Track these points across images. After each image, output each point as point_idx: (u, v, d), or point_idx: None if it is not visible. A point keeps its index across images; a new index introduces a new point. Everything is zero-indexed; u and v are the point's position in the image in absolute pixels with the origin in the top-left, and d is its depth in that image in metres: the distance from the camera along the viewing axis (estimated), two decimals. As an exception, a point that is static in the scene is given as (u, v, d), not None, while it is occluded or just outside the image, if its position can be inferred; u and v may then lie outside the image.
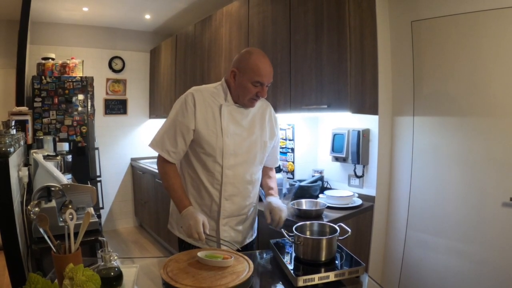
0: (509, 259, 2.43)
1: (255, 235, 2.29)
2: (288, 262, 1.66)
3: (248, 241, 2.21)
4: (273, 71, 1.98)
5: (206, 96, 2.00)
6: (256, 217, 2.29)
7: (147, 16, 5.24)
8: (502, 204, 2.45)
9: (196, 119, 1.95)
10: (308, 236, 1.75)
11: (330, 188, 3.19)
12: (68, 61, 4.86)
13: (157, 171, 4.89)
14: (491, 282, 2.51)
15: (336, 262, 1.67)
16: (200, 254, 1.63)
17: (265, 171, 2.28)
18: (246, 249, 2.16)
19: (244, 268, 1.55)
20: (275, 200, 2.06)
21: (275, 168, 2.43)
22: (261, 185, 2.26)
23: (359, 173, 3.02)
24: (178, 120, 1.97)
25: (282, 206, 2.01)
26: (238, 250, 1.87)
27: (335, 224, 1.78)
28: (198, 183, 2.04)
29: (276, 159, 2.33)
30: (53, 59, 4.81)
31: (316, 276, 1.51)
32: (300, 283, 1.48)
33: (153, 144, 2.05)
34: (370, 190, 2.96)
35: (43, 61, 4.75)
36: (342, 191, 2.97)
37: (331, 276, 1.53)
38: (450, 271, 2.71)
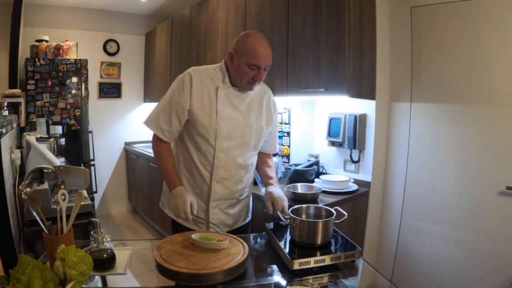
0: (503, 247, 2.43)
1: (249, 218, 2.27)
2: (283, 246, 1.64)
3: (240, 224, 2.19)
4: (271, 54, 1.92)
5: (204, 76, 1.97)
6: (250, 201, 2.27)
7: (143, -2, 5.16)
8: (498, 193, 2.44)
9: (191, 99, 1.93)
10: (304, 219, 1.73)
11: (326, 173, 3.18)
12: (62, 43, 4.79)
13: (151, 155, 4.87)
14: (485, 270, 2.52)
15: (332, 246, 1.65)
16: (194, 236, 1.61)
17: (263, 158, 2.23)
18: (239, 232, 2.15)
19: (239, 250, 1.53)
20: (276, 190, 2.00)
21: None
22: (259, 173, 2.23)
23: (355, 158, 3.00)
24: (174, 99, 1.95)
25: (283, 196, 1.96)
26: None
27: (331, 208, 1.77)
28: (191, 164, 2.03)
29: (273, 146, 2.27)
30: (46, 41, 4.74)
31: (312, 260, 1.50)
32: (296, 266, 1.47)
33: (148, 122, 2.03)
34: (365, 175, 2.95)
35: (37, 43, 4.68)
36: (338, 176, 2.95)
37: (327, 260, 1.53)
38: (444, 259, 2.71)
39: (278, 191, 1.99)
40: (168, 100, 1.98)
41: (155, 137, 2.04)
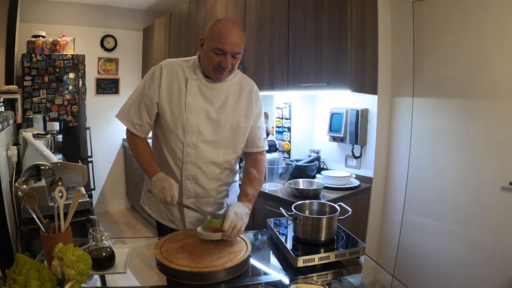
0: (506, 243, 2.41)
1: None
2: (286, 243, 1.61)
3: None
4: (242, 41, 1.80)
5: (175, 68, 1.89)
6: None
7: (140, -7, 5.11)
8: (501, 189, 2.42)
9: (160, 91, 1.85)
10: (308, 215, 1.69)
11: (327, 169, 3.14)
12: (59, 39, 4.74)
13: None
14: (487, 266, 2.49)
15: (336, 242, 1.62)
16: (199, 229, 1.59)
17: (248, 167, 2.01)
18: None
19: (241, 248, 1.50)
20: (238, 206, 1.72)
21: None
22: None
23: (357, 153, 2.97)
24: (144, 91, 1.88)
25: (243, 215, 1.67)
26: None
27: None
28: (163, 160, 1.94)
29: (254, 142, 2.03)
30: (43, 36, 4.69)
31: (316, 257, 1.47)
32: (300, 264, 1.44)
33: (119, 115, 1.95)
34: (367, 171, 2.93)
35: (33, 39, 4.63)
36: (340, 171, 2.93)
37: (332, 257, 1.49)
38: (446, 255, 2.69)
39: (241, 209, 1.70)
40: (138, 92, 1.91)
41: (129, 130, 1.96)
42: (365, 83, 2.70)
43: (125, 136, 6.15)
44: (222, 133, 1.90)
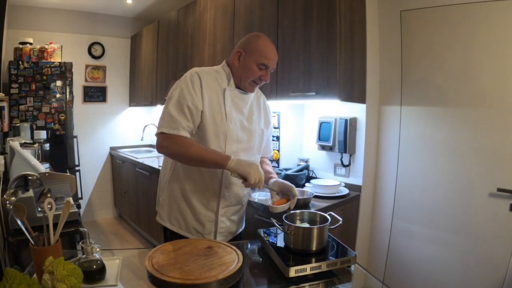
0: (494, 249, 2.44)
1: (244, 225, 2.24)
2: (278, 253, 1.61)
3: (239, 230, 2.17)
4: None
5: (211, 77, 1.91)
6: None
7: (129, 1, 5.07)
8: (489, 195, 2.45)
9: (203, 100, 1.83)
10: (299, 225, 1.70)
11: (316, 177, 3.15)
12: (46, 46, 4.70)
13: (137, 160, 4.75)
14: (476, 272, 2.52)
15: (327, 252, 1.63)
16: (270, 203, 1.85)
17: (262, 160, 2.25)
18: (235, 239, 2.12)
19: (233, 259, 1.49)
20: (284, 181, 2.01)
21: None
22: None
23: (345, 162, 2.98)
24: (186, 99, 1.81)
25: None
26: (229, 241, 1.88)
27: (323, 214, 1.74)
28: (201, 171, 1.92)
29: (269, 149, 2.29)
30: (31, 43, 4.65)
31: (308, 266, 1.47)
32: (292, 274, 1.44)
33: (164, 128, 1.81)
34: (356, 179, 2.94)
35: (21, 46, 4.58)
36: (329, 180, 2.93)
37: (323, 266, 1.50)
38: (435, 261, 2.71)
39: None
40: (177, 102, 1.82)
41: (165, 139, 1.82)
42: (354, 92, 2.72)
43: (112, 145, 6.09)
44: (254, 141, 2.02)
